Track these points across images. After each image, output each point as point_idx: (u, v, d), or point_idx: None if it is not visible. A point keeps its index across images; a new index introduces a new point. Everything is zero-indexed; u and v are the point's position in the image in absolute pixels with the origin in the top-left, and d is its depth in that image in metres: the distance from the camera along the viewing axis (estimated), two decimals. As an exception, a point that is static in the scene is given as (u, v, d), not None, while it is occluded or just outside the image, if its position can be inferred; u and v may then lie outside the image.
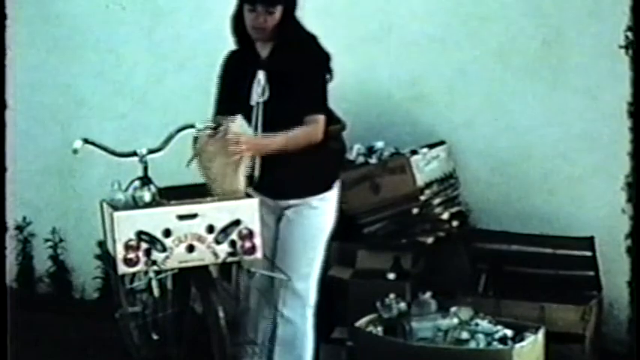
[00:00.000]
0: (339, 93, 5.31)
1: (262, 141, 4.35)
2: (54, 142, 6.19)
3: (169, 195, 4.28)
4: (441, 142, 5.22)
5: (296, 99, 4.38)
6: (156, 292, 4.13)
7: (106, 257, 4.42)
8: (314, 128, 4.39)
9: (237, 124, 4.24)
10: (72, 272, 6.33)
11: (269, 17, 4.36)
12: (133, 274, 4.20)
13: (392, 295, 4.65)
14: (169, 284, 4.31)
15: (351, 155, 5.18)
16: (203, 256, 4.12)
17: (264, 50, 4.47)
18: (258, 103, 4.43)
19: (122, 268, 4.06)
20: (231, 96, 4.47)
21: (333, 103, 5.26)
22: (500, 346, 4.31)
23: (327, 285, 5.01)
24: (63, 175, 6.26)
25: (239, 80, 4.47)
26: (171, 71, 5.92)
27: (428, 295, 4.64)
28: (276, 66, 4.43)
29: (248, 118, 4.36)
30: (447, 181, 5.16)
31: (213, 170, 4.31)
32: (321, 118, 4.43)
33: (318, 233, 4.55)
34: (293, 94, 4.39)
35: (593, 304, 4.73)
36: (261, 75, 4.43)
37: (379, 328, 4.56)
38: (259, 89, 4.44)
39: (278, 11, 4.36)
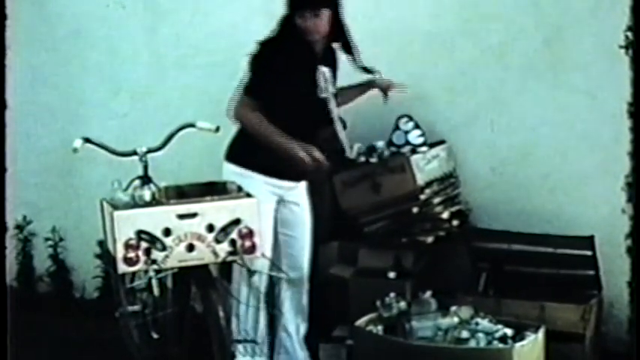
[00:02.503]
0: (339, 93, 5.33)
1: None
2: (54, 142, 6.20)
3: (169, 194, 4.29)
4: (441, 142, 5.23)
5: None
6: (156, 291, 4.12)
7: (106, 256, 4.43)
8: None
9: None
10: (72, 271, 6.33)
11: (317, 20, 4.53)
12: (133, 273, 4.21)
13: (392, 294, 4.66)
14: (169, 283, 4.32)
15: (352, 154, 5.19)
16: (203, 255, 4.12)
17: (318, 46, 4.62)
18: (328, 96, 4.65)
19: (122, 267, 4.06)
20: (291, 89, 4.53)
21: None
22: (501, 345, 4.30)
23: (328, 283, 5.04)
24: (63, 175, 6.27)
25: (298, 74, 4.56)
26: (171, 70, 5.93)
27: (428, 294, 4.65)
28: (331, 63, 4.69)
29: (318, 110, 4.62)
30: (447, 180, 5.16)
31: None
32: None
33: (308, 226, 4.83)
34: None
35: (593, 303, 4.73)
36: (324, 70, 4.63)
37: (379, 327, 4.56)
38: (325, 83, 4.64)
39: (325, 13, 4.53)
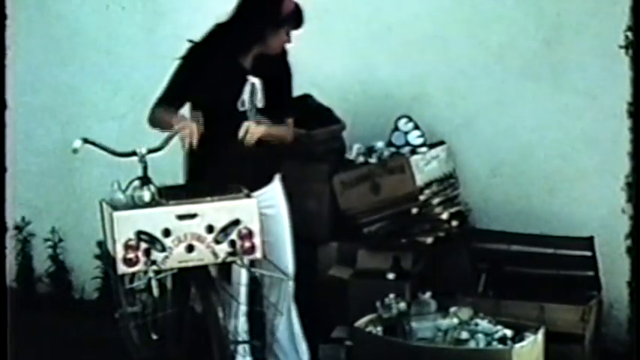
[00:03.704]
0: (339, 93, 5.34)
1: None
2: (54, 142, 6.19)
3: (169, 194, 4.28)
4: (441, 142, 5.23)
5: (278, 105, 4.56)
6: (155, 292, 4.12)
7: (106, 257, 4.43)
8: (289, 131, 4.62)
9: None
10: (71, 272, 6.32)
11: (288, 38, 4.53)
12: (133, 274, 4.19)
13: (392, 295, 4.66)
14: (169, 284, 4.31)
15: (351, 155, 5.19)
16: (202, 256, 4.11)
17: (246, 59, 4.53)
18: (251, 109, 4.50)
19: (122, 268, 4.06)
20: (213, 99, 4.50)
21: (333, 103, 5.28)
22: (500, 346, 4.31)
23: (327, 284, 5.03)
24: (63, 175, 6.26)
25: (224, 85, 4.50)
26: (170, 71, 5.91)
27: (428, 294, 4.65)
28: (263, 74, 4.52)
29: (236, 122, 4.42)
30: (447, 181, 5.16)
31: None
32: (291, 122, 4.65)
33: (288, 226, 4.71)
34: (277, 101, 4.55)
35: (593, 304, 4.73)
36: (255, 82, 4.51)
37: (379, 328, 4.56)
38: (253, 97, 4.51)
39: None
